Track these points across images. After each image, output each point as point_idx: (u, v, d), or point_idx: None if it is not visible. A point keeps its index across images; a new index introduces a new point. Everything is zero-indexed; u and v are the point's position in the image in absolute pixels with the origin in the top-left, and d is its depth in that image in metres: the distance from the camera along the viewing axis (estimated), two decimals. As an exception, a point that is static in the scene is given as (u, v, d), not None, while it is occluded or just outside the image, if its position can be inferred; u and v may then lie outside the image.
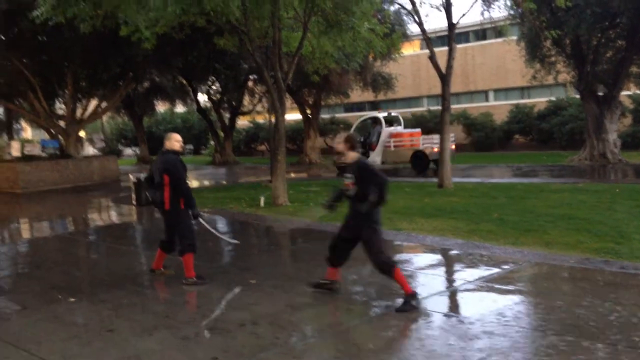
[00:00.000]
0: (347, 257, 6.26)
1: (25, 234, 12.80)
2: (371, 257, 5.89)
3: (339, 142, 6.20)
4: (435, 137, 21.39)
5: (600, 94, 24.78)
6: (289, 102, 26.58)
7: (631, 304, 5.69)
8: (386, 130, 24.30)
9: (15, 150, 25.57)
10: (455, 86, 28.10)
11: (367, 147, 23.75)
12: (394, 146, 23.85)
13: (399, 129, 25.17)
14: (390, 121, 25.73)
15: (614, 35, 23.71)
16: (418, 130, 25.40)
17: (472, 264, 7.57)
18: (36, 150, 25.30)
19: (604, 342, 4.70)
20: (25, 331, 5.61)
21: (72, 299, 6.64)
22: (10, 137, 38.10)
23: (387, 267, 5.83)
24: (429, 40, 16.41)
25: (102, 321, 5.79)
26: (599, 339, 4.76)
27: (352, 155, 6.12)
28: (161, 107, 47.89)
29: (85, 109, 28.44)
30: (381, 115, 25.21)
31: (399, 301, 5.80)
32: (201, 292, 6.71)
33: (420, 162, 22.74)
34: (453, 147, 21.00)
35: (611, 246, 7.98)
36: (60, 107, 32.96)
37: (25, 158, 24.26)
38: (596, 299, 5.87)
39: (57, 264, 8.92)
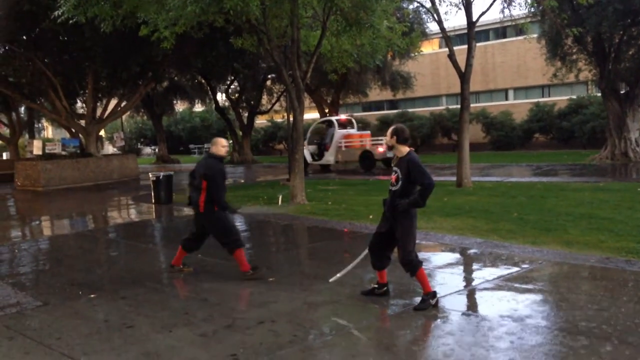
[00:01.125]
0: (385, 254, 6.08)
1: (47, 231, 12.96)
2: (400, 253, 5.81)
3: (387, 135, 5.92)
4: (382, 139, 23.77)
5: (622, 92, 24.46)
6: (307, 101, 26.69)
7: (653, 304, 5.61)
8: (339, 132, 26.53)
9: (36, 148, 25.93)
10: (475, 85, 27.95)
11: (322, 147, 26.34)
12: (345, 146, 26.15)
13: (352, 131, 27.39)
14: (344, 124, 27.83)
15: (637, 33, 23.36)
16: (368, 132, 28.37)
17: (491, 263, 7.52)
18: (57, 149, 25.62)
19: (625, 343, 4.64)
20: (46, 327, 5.68)
21: (93, 295, 6.71)
22: (32, 136, 38.66)
23: (413, 268, 5.76)
24: (448, 39, 16.32)
25: (122, 317, 5.84)
26: (620, 340, 4.70)
27: (403, 149, 5.81)
28: (180, 106, 48.26)
29: (105, 108, 28.73)
30: (334, 118, 27.94)
31: (418, 299, 5.78)
32: (220, 290, 6.74)
33: (367, 161, 24.97)
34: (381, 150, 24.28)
35: (633, 245, 7.88)
36: (80, 107, 33.36)
37: (47, 156, 24.60)
38: (617, 299, 5.79)
39: (78, 261, 9.03)
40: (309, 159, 25.93)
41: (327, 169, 26.44)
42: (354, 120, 29.19)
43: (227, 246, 7.30)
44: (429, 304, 5.64)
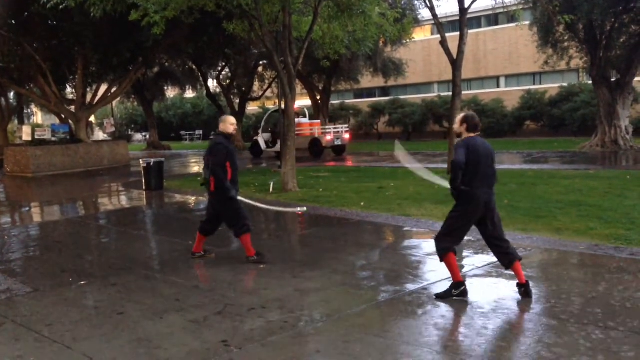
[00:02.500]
0: (500, 251, 5.76)
1: (36, 218, 12.90)
2: (436, 237, 5.78)
3: (456, 123, 5.72)
4: (330, 127, 27.20)
5: (613, 79, 24.53)
6: (299, 87, 26.63)
7: (641, 290, 5.67)
8: None
9: (26, 134, 25.72)
10: (467, 72, 27.94)
11: (275, 136, 27.01)
12: (296, 134, 26.15)
13: (302, 120, 28.26)
14: (297, 114, 27.86)
15: (628, 20, 23.39)
16: (318, 121, 29.27)
17: (481, 250, 7.55)
18: (47, 135, 25.43)
19: (611, 328, 4.69)
20: (36, 313, 5.67)
21: (83, 282, 6.70)
22: (21, 122, 38.35)
23: (441, 253, 5.66)
24: (440, 26, 16.27)
25: (113, 304, 5.84)
26: (607, 325, 4.75)
27: (468, 136, 5.62)
28: (171, 92, 47.97)
29: (95, 94, 28.51)
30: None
31: (409, 286, 5.79)
32: (211, 276, 6.74)
33: (316, 148, 26.36)
34: (347, 137, 27.02)
35: (621, 233, 7.94)
36: (70, 92, 33.09)
37: (36, 142, 24.40)
38: (605, 285, 5.84)
39: (68, 248, 9.00)
40: (263, 146, 28.01)
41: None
42: (306, 110, 30.53)
43: (235, 229, 7.27)
44: (452, 294, 5.58)
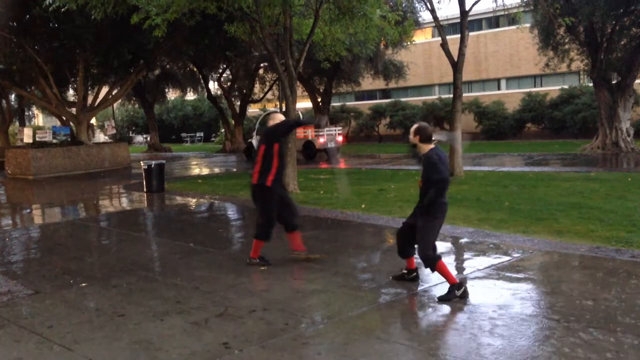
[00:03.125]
0: (408, 245, 6.07)
1: (37, 220, 12.91)
2: (419, 247, 5.82)
3: (411, 133, 5.84)
4: (323, 131, 26.74)
5: (614, 82, 24.53)
6: (299, 89, 26.68)
7: (642, 293, 5.67)
8: None
9: (27, 136, 25.76)
10: (467, 74, 28.00)
11: None
12: None
13: None
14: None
15: (629, 23, 23.40)
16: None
17: (483, 252, 7.56)
18: (48, 137, 25.45)
19: (612, 330, 4.69)
20: (37, 315, 5.68)
21: (84, 284, 6.70)
22: (22, 124, 38.42)
23: (430, 263, 5.76)
24: (441, 28, 16.30)
25: (114, 306, 5.84)
26: (608, 327, 4.74)
27: (425, 147, 5.76)
28: (172, 94, 48.03)
29: (96, 96, 28.55)
30: (279, 110, 28.08)
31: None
32: (212, 278, 6.74)
33: (309, 150, 26.71)
34: (341, 139, 27.36)
35: (622, 235, 7.94)
36: (71, 94, 33.14)
37: (37, 145, 24.43)
38: (606, 288, 5.84)
39: (69, 249, 9.00)
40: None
41: None
42: (299, 113, 30.20)
43: (258, 229, 7.21)
44: (454, 295, 5.59)
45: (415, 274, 6.25)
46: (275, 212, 7.18)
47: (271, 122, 7.37)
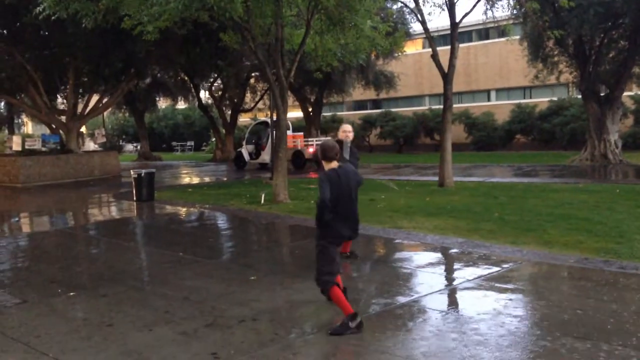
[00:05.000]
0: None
1: (26, 228, 12.81)
2: (316, 271, 5.36)
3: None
4: (313, 140, 27.33)
5: (602, 94, 24.76)
6: (290, 99, 26.72)
7: (630, 304, 5.69)
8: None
9: (16, 144, 25.60)
10: (458, 85, 28.08)
11: (259, 148, 27.99)
12: None
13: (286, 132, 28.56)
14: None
15: (617, 36, 23.68)
16: (301, 133, 29.85)
17: (472, 263, 7.57)
18: (37, 145, 25.31)
19: (602, 341, 4.70)
20: (24, 324, 5.62)
21: (72, 293, 6.65)
22: (12, 132, 38.19)
23: (322, 287, 5.31)
24: (431, 39, 16.39)
25: (102, 316, 5.80)
26: (597, 339, 4.76)
27: (326, 166, 5.35)
28: (163, 103, 47.96)
29: (86, 105, 28.44)
30: (269, 120, 28.44)
31: (400, 299, 5.79)
32: (202, 288, 6.71)
33: (298, 160, 26.90)
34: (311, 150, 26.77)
35: (611, 246, 7.98)
36: (61, 102, 32.99)
37: (26, 152, 24.27)
38: (595, 299, 5.87)
39: (57, 258, 8.93)
40: (247, 157, 28.29)
41: (265, 167, 26.54)
42: (289, 122, 30.33)
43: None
44: (348, 327, 5.03)
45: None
46: None
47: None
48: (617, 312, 5.44)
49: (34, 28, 20.88)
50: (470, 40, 40.31)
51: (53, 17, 13.13)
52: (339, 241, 5.40)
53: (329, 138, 29.35)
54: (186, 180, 23.85)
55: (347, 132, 7.66)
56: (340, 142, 7.24)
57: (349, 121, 41.38)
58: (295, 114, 38.77)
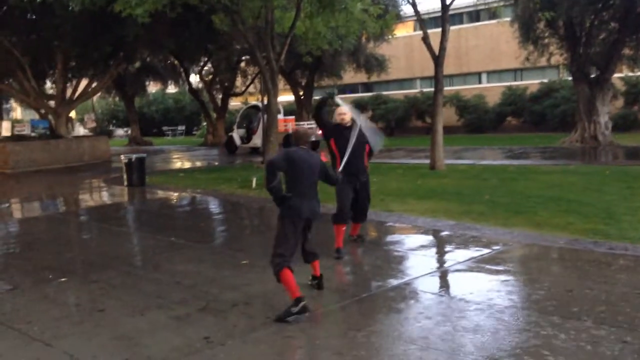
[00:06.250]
0: (303, 249, 5.73)
1: (16, 214, 12.75)
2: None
3: None
4: (305, 124, 26.53)
5: (593, 76, 24.79)
6: (281, 83, 26.58)
7: (619, 284, 5.75)
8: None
9: (5, 130, 25.40)
10: (448, 68, 27.99)
11: (250, 132, 27.61)
12: None
13: (278, 116, 28.60)
14: None
15: (607, 17, 23.64)
16: (292, 117, 29.81)
17: (463, 245, 7.61)
18: (26, 131, 25.11)
19: (591, 321, 4.75)
20: (15, 311, 5.61)
21: (63, 279, 6.64)
22: (0, 117, 37.83)
23: (274, 270, 5.24)
24: (422, 22, 16.32)
25: (93, 301, 5.80)
26: (586, 318, 4.81)
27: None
28: (153, 87, 47.59)
29: (75, 89, 28.19)
30: (260, 104, 28.70)
31: (392, 281, 5.81)
32: (194, 273, 6.71)
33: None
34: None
35: (600, 227, 8.04)
36: (50, 87, 32.70)
37: (15, 138, 24.08)
38: (584, 279, 5.92)
39: (48, 244, 8.91)
40: (238, 142, 27.93)
41: (256, 151, 26.40)
42: (280, 106, 30.37)
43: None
44: (290, 313, 4.98)
45: (317, 281, 5.86)
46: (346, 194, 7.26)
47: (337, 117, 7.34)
48: (606, 292, 5.49)
49: (21, 12, 20.62)
50: (461, 22, 40.15)
51: (40, 0, 12.97)
52: (296, 219, 5.42)
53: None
54: (177, 164, 23.77)
55: (341, 114, 7.23)
56: (348, 128, 6.95)
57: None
58: (286, 97, 38.59)
